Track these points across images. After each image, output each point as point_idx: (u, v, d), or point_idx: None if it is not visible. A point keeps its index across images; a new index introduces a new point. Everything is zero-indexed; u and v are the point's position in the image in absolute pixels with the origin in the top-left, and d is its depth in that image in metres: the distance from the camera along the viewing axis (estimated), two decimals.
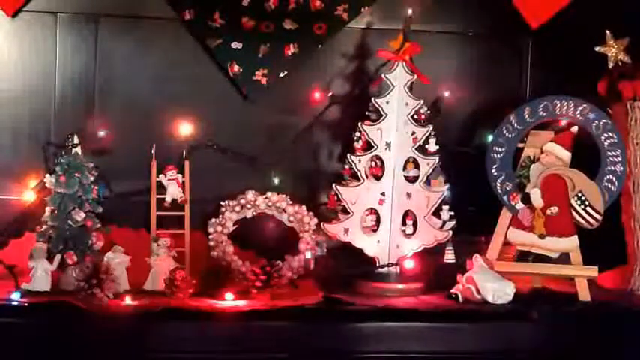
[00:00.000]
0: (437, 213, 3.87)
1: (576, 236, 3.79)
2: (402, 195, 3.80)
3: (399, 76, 3.80)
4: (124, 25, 4.17)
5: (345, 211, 3.81)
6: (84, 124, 4.03)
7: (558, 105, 3.89)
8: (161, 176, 3.88)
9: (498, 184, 3.87)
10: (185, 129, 3.97)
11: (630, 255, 4.01)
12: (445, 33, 4.35)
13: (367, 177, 3.80)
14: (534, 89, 4.38)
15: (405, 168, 3.81)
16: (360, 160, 3.80)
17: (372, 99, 3.81)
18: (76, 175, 3.72)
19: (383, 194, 3.79)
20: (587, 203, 3.79)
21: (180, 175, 3.89)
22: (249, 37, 4.17)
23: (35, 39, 4.12)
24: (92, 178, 3.76)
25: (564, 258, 3.81)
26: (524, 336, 3.51)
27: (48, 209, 3.72)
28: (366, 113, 3.91)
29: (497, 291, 3.62)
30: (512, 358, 3.51)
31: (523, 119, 3.88)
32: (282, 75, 4.22)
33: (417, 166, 3.81)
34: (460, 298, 3.63)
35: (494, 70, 4.41)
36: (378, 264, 3.80)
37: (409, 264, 3.81)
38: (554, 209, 3.80)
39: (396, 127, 3.78)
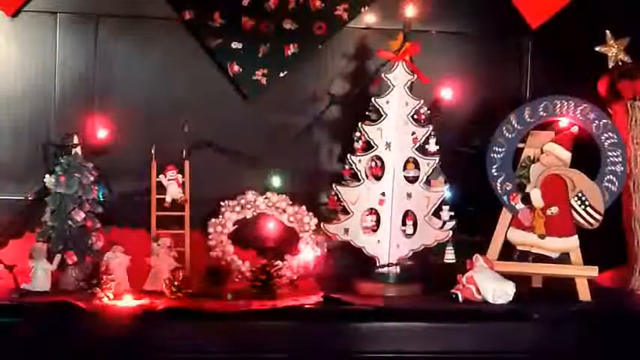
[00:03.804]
0: (437, 213, 3.87)
1: (576, 236, 3.79)
2: (402, 195, 3.79)
3: (399, 76, 3.80)
4: (124, 25, 4.17)
5: (345, 211, 3.81)
6: (84, 124, 4.02)
7: (558, 105, 3.89)
8: (161, 176, 3.88)
9: (498, 184, 3.87)
10: (185, 129, 3.97)
11: (630, 255, 4.01)
12: (445, 33, 4.35)
13: (367, 177, 3.80)
14: (534, 89, 4.38)
15: (405, 168, 3.81)
16: (360, 160, 3.80)
17: (372, 99, 3.81)
18: (76, 175, 3.72)
19: (383, 194, 3.78)
20: (587, 203, 3.79)
21: (180, 175, 3.89)
22: (249, 37, 4.17)
23: (35, 39, 4.12)
24: (92, 178, 3.76)
25: (564, 258, 3.81)
26: (524, 336, 3.50)
27: (48, 209, 3.72)
28: (366, 113, 3.91)
29: (497, 291, 3.62)
30: (512, 358, 3.51)
31: (523, 119, 3.89)
32: (282, 75, 4.22)
33: (417, 166, 3.81)
34: (460, 298, 3.63)
35: (494, 70, 4.41)
36: (378, 264, 3.80)
37: (409, 264, 3.81)
38: (554, 209, 3.80)
39: (396, 127, 3.78)
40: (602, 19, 4.10)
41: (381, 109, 3.78)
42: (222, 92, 4.21)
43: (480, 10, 4.34)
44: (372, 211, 3.80)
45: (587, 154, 3.87)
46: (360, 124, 3.81)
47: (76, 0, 4.14)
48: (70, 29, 4.13)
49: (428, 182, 3.86)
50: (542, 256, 3.81)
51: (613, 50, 4.05)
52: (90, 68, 4.15)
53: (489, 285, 3.63)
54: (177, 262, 3.75)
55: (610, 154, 3.86)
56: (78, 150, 3.79)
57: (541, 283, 3.96)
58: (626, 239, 4.03)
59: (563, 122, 3.92)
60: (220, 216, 3.92)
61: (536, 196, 3.81)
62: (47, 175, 3.76)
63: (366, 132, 3.79)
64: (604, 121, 3.87)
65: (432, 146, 3.84)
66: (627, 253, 4.03)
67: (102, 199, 3.80)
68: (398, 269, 3.81)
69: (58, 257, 3.61)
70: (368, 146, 3.81)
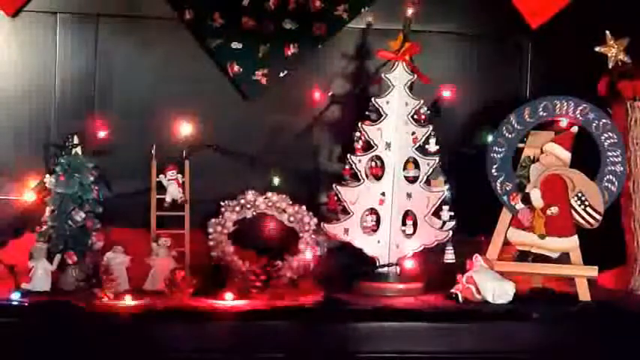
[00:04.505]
0: (437, 213, 3.87)
1: (576, 236, 3.79)
2: (402, 195, 3.79)
3: (399, 76, 3.80)
4: (124, 25, 4.17)
5: (345, 211, 3.81)
6: (84, 124, 4.02)
7: (558, 105, 3.89)
8: (161, 176, 3.88)
9: (498, 184, 3.87)
10: (185, 129, 3.97)
11: (630, 255, 4.01)
12: (445, 33, 4.35)
13: (367, 177, 3.80)
14: (534, 89, 4.38)
15: (405, 168, 3.81)
16: (360, 160, 3.80)
17: (372, 99, 3.81)
18: (76, 175, 3.72)
19: (383, 194, 3.79)
20: (587, 203, 3.79)
21: (180, 175, 3.89)
22: (249, 37, 4.17)
23: (35, 39, 4.12)
24: (92, 178, 3.76)
25: (564, 258, 3.81)
26: (524, 336, 3.50)
27: (48, 209, 3.72)
28: (366, 113, 3.91)
29: (497, 291, 3.62)
30: (512, 358, 3.51)
31: (523, 119, 3.89)
32: (282, 75, 4.22)
33: (417, 166, 3.81)
34: (460, 298, 3.63)
35: (494, 70, 4.41)
36: (378, 264, 3.80)
37: (409, 264, 3.81)
38: (554, 209, 3.80)
39: (396, 127, 3.78)
40: (602, 19, 4.10)
41: (381, 109, 3.78)
42: (222, 92, 4.21)
43: (479, 10, 4.34)
44: (372, 211, 3.81)
45: (587, 154, 3.86)
46: (360, 124, 3.81)
47: (76, 0, 4.14)
48: (70, 29, 4.13)
49: (428, 182, 3.86)
50: (542, 256, 3.81)
51: (613, 50, 4.05)
52: (90, 68, 4.15)
53: (489, 285, 3.63)
54: (177, 262, 3.75)
55: (610, 154, 3.86)
56: (78, 150, 3.79)
57: (541, 283, 3.96)
58: (626, 239, 4.03)
59: (563, 122, 3.92)
60: (220, 216, 3.93)
61: (536, 196, 3.81)
62: (47, 175, 3.77)
63: (366, 132, 3.79)
64: (604, 121, 3.87)
65: (432, 146, 3.84)
66: (627, 253, 4.03)
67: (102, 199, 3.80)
68: (398, 269, 3.81)
69: (58, 257, 3.61)
70: (368, 146, 3.81)
